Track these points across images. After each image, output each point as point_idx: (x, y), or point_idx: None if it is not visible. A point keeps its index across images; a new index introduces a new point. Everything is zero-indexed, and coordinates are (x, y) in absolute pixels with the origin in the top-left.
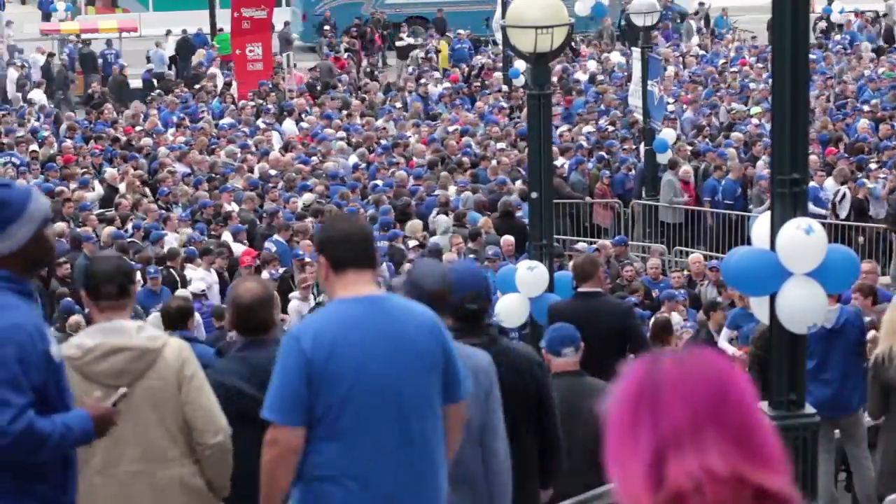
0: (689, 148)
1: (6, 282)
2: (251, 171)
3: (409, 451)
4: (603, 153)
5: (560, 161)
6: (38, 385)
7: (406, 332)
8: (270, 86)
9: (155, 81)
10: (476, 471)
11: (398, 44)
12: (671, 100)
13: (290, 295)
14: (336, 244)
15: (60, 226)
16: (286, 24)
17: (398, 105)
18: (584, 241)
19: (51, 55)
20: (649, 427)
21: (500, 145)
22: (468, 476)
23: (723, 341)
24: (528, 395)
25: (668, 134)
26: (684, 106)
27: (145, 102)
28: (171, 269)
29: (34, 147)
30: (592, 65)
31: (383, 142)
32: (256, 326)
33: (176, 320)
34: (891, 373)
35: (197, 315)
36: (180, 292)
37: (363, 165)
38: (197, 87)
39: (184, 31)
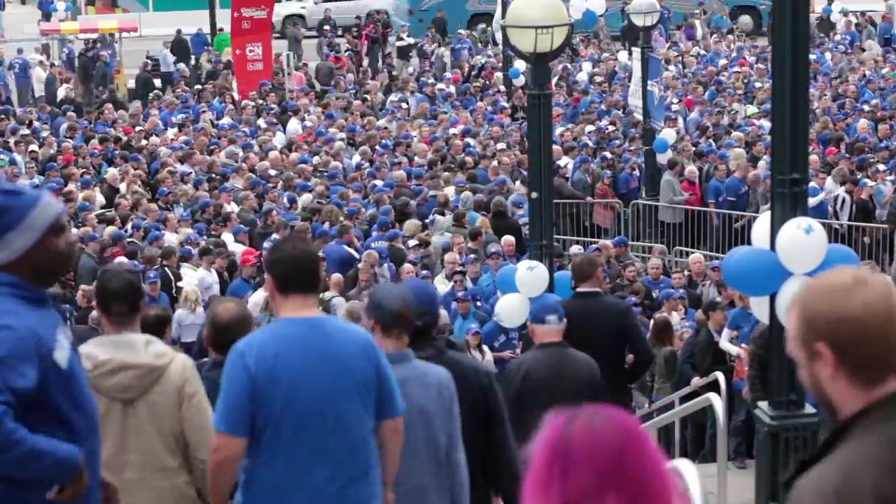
0: (693, 148)
1: (11, 288)
2: (252, 170)
3: (339, 460)
4: (607, 153)
5: (564, 161)
6: (25, 389)
7: (340, 352)
8: (272, 86)
9: (159, 81)
10: (427, 483)
11: (398, 44)
12: (675, 100)
13: None
14: (282, 267)
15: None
16: (295, 23)
17: (403, 105)
18: (583, 242)
19: (88, 48)
20: (558, 485)
21: (501, 145)
22: (420, 490)
23: (723, 341)
24: (477, 405)
25: (668, 134)
26: (686, 106)
27: (144, 102)
28: (167, 268)
29: (34, 147)
30: (588, 66)
31: (384, 141)
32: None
33: (153, 329)
34: None
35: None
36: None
37: (365, 165)
38: (199, 87)
39: (178, 32)
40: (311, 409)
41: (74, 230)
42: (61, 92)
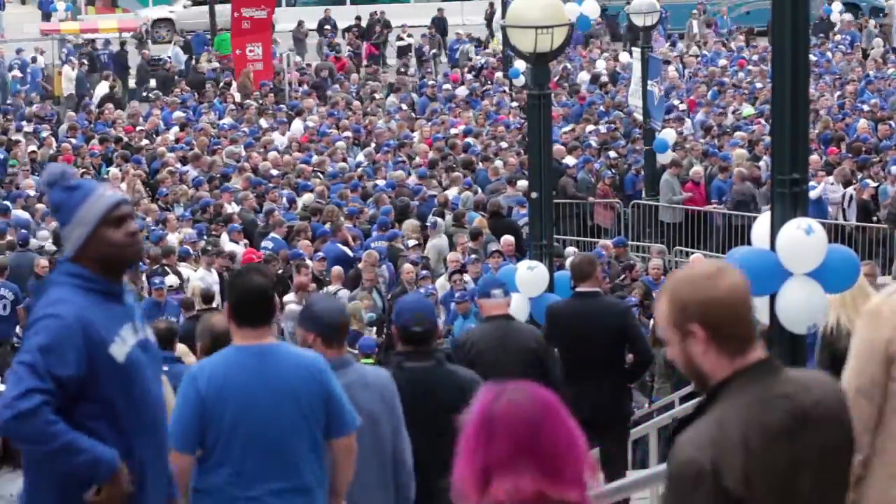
0: (700, 149)
1: (76, 279)
2: (255, 170)
3: (282, 476)
4: (611, 153)
5: (570, 160)
6: (68, 377)
7: (287, 376)
8: (272, 86)
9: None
10: (372, 483)
11: (398, 44)
12: (678, 101)
13: (286, 298)
14: (237, 300)
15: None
16: (300, 22)
17: (403, 106)
18: (583, 243)
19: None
20: (483, 451)
21: (504, 145)
22: (366, 488)
23: None
24: None
25: (668, 134)
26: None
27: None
28: (167, 268)
29: (33, 147)
30: (600, 65)
31: (387, 141)
32: None
33: (163, 342)
34: (841, 343)
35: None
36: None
37: (365, 164)
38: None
39: (181, 31)
40: (256, 430)
41: None
42: (102, 88)
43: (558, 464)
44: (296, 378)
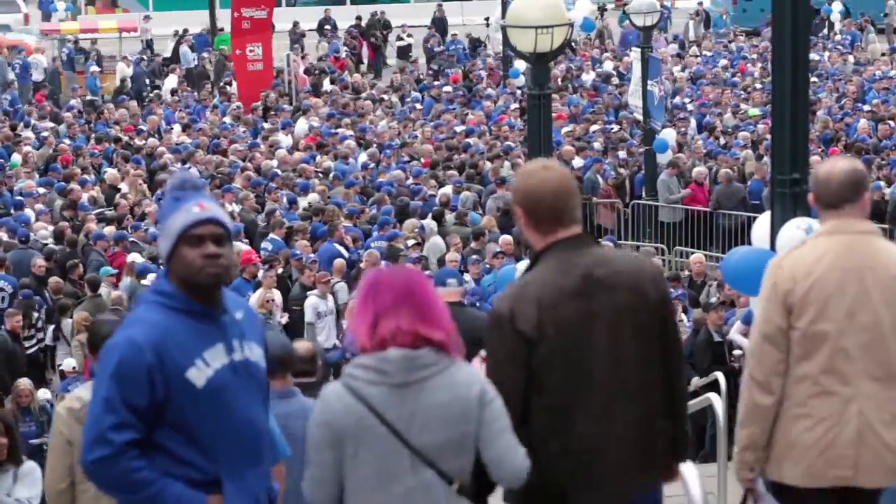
0: (703, 150)
1: (162, 296)
2: (258, 170)
3: None
4: (620, 153)
5: (577, 163)
6: (145, 405)
7: None
8: (278, 94)
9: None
10: None
11: (398, 44)
12: (688, 100)
13: (309, 292)
14: None
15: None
16: (295, 23)
17: (418, 106)
18: None
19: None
20: (371, 303)
21: (511, 145)
22: None
23: (734, 334)
24: None
25: (668, 134)
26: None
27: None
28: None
29: (28, 148)
30: (610, 64)
31: (390, 141)
32: None
33: None
34: None
35: None
36: None
37: (372, 165)
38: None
39: (185, 31)
40: None
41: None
42: (171, 81)
43: (428, 312)
44: None
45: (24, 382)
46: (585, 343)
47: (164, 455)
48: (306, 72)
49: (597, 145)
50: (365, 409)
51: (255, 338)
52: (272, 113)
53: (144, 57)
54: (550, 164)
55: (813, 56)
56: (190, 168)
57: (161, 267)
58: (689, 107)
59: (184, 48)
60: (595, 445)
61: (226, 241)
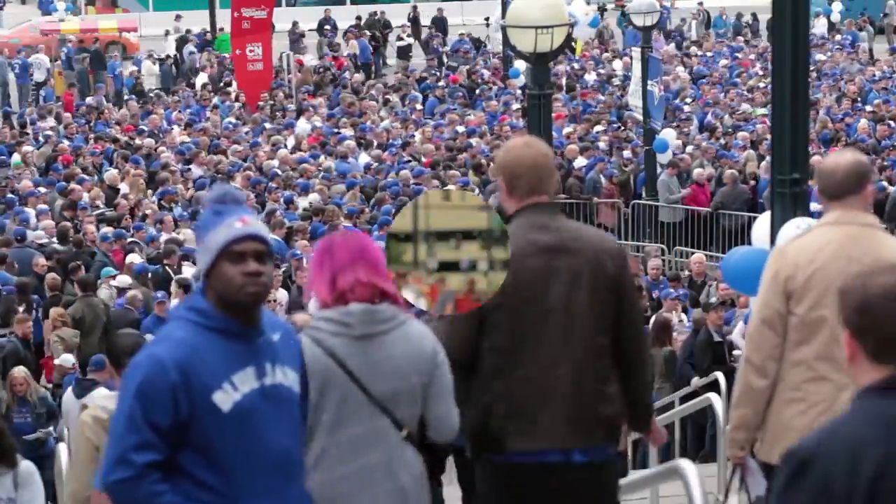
0: (713, 151)
1: (195, 314)
2: (260, 170)
3: None
4: (625, 152)
5: (579, 162)
6: (168, 425)
7: None
8: (282, 96)
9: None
10: None
11: (399, 44)
12: (689, 100)
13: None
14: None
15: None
16: (295, 23)
17: (418, 106)
18: None
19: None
20: (328, 263)
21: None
22: None
23: (736, 335)
24: None
25: (668, 134)
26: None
27: (142, 102)
28: (167, 267)
29: (28, 148)
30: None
31: (391, 141)
32: None
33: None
34: None
35: None
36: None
37: (375, 165)
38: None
39: (187, 31)
40: None
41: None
42: (202, 77)
43: (381, 267)
44: None
45: (19, 371)
46: (541, 294)
47: (186, 478)
48: (314, 71)
49: (602, 145)
50: (329, 358)
51: (290, 361)
52: (278, 113)
53: (170, 55)
54: (532, 142)
55: (820, 56)
56: (190, 170)
57: (198, 282)
58: (687, 108)
59: (189, 47)
60: (535, 392)
61: (267, 259)
